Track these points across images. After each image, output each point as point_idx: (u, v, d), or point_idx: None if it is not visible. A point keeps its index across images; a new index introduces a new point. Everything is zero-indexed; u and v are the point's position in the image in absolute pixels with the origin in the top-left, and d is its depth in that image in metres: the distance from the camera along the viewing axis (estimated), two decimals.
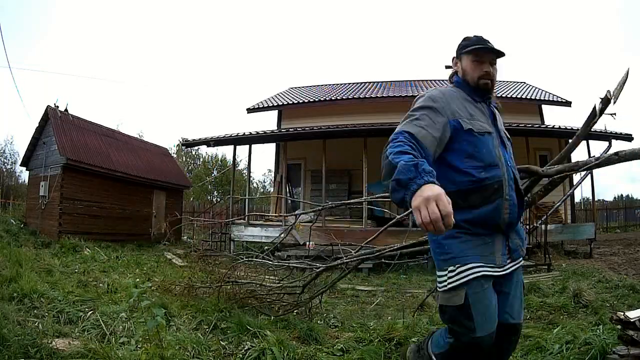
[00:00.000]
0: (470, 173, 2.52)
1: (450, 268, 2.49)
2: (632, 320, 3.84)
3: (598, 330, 4.84)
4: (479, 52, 2.75)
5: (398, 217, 6.68)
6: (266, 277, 6.75)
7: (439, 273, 2.59)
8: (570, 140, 5.59)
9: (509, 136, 2.86)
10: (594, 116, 5.09)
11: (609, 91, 4.91)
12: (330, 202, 7.57)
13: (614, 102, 4.93)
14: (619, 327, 4.06)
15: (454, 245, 2.50)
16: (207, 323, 5.40)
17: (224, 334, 5.05)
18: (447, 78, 3.04)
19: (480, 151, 2.54)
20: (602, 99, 4.94)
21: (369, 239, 6.74)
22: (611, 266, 12.26)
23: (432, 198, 1.76)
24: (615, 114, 5.05)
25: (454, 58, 2.93)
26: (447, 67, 3.03)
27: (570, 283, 8.35)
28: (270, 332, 4.83)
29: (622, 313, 4.04)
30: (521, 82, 23.24)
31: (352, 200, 6.15)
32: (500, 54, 2.76)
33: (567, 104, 19.22)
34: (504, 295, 2.62)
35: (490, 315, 2.47)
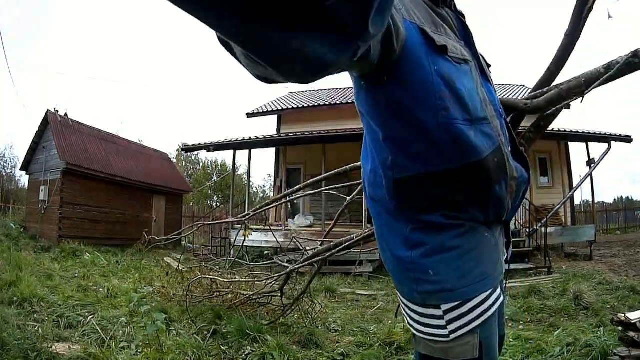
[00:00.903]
0: (455, 135, 1.30)
1: (447, 306, 1.35)
2: (633, 321, 3.87)
3: (599, 332, 4.91)
4: None
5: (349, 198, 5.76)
6: (260, 282, 6.73)
7: (421, 310, 1.42)
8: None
9: (489, 63, 1.69)
10: None
11: None
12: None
13: None
14: (620, 328, 4.11)
15: (445, 264, 1.36)
16: (208, 328, 5.41)
17: (224, 339, 5.07)
18: None
19: (461, 92, 1.30)
20: None
21: (325, 234, 6.56)
22: (612, 268, 12.28)
23: None
24: None
25: None
26: None
27: (570, 285, 8.37)
28: (271, 337, 4.87)
29: (623, 315, 4.07)
30: (520, 85, 23.25)
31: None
32: None
33: (567, 106, 19.25)
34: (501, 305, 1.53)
35: None
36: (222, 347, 4.77)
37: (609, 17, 3.87)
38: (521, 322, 6.55)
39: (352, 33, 0.76)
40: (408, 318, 1.48)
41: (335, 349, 4.96)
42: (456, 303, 1.34)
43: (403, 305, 1.50)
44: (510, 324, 6.16)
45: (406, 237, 1.39)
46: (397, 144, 1.35)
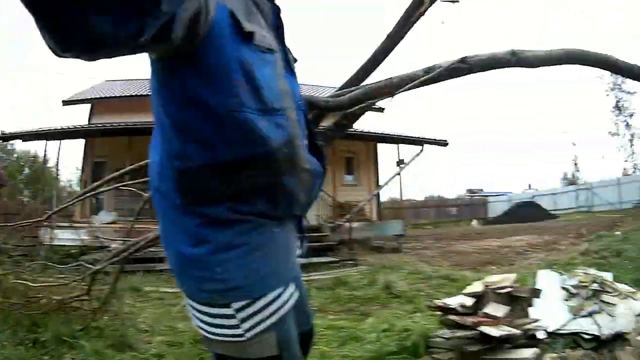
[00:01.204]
0: (244, 124, 1.25)
1: (238, 305, 1.31)
2: (452, 306, 4.14)
3: (416, 318, 5.31)
4: None
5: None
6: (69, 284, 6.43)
7: (210, 311, 1.35)
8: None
9: (295, 57, 1.66)
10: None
11: None
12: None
13: None
14: (440, 313, 4.39)
15: (232, 262, 1.31)
16: (29, 337, 5.17)
17: (44, 347, 4.85)
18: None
19: (259, 81, 1.28)
20: None
21: (127, 231, 6.44)
22: (423, 259, 13.12)
23: None
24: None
25: None
26: None
27: (379, 276, 8.75)
28: (86, 342, 4.76)
29: (441, 301, 4.42)
30: (330, 87, 24.02)
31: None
32: None
33: (380, 110, 20.16)
34: (299, 300, 1.52)
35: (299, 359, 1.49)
36: (44, 357, 4.62)
37: (442, 22, 4.05)
38: (330, 312, 6.78)
39: (139, 8, 0.77)
40: (197, 320, 1.40)
41: (148, 349, 4.93)
42: (247, 301, 1.31)
43: (190, 307, 1.42)
44: (318, 315, 6.17)
45: (191, 233, 1.32)
46: (185, 131, 1.29)
